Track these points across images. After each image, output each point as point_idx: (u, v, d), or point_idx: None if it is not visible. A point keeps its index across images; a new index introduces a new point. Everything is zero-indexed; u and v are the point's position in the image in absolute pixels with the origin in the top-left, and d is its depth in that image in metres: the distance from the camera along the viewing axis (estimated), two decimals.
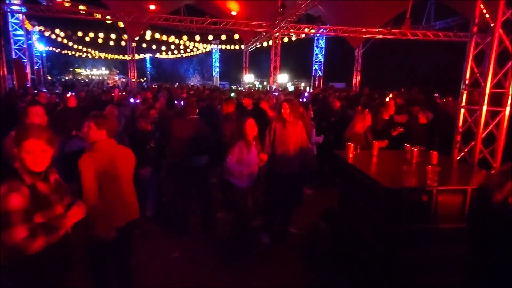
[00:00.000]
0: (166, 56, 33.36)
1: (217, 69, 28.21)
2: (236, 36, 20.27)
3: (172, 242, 4.07)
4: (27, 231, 1.67)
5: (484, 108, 3.43)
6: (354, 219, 3.24)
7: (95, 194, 2.39)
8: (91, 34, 20.56)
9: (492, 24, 3.35)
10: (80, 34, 20.55)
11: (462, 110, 3.75)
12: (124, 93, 10.93)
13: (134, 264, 3.36)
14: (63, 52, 30.91)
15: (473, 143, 3.52)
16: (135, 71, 20.04)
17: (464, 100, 3.74)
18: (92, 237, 2.47)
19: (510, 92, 3.41)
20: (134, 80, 19.85)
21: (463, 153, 3.64)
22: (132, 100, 8.78)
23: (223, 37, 20.02)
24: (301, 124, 3.99)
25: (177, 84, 26.64)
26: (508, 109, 3.44)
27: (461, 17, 16.10)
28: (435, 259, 2.72)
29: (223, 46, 25.71)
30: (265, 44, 19.79)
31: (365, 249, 2.99)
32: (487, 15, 3.46)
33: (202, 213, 4.47)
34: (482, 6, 3.45)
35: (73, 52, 30.41)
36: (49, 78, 31.34)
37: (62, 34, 21.39)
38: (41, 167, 1.79)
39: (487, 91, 3.39)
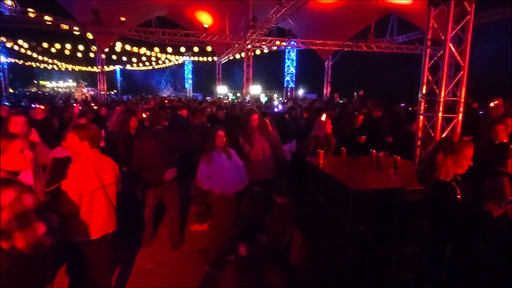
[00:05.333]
0: (137, 68, 32.82)
1: (190, 81, 28.06)
2: (209, 48, 20.38)
3: (146, 255, 3.99)
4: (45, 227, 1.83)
5: (440, 115, 3.72)
6: (325, 222, 3.36)
7: (75, 204, 2.37)
8: (58, 45, 19.92)
9: (443, 38, 3.67)
10: (45, 45, 19.84)
11: (421, 117, 4.03)
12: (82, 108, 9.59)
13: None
14: (26, 63, 29.64)
15: (431, 147, 3.78)
16: (105, 83, 19.53)
17: (422, 108, 4.04)
18: (71, 245, 2.46)
19: (462, 100, 3.73)
20: (103, 92, 19.32)
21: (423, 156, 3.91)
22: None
23: (196, 49, 20.07)
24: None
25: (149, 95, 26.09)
26: (460, 115, 3.75)
27: (421, 31, 17.17)
28: (400, 256, 2.88)
29: (196, 58, 25.75)
30: (237, 56, 20.05)
31: (336, 251, 3.10)
32: (438, 31, 3.79)
33: (171, 227, 4.34)
34: (433, 21, 3.78)
35: (38, 64, 29.24)
36: (11, 91, 29.78)
37: (26, 45, 20.56)
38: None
39: (442, 99, 3.68)
